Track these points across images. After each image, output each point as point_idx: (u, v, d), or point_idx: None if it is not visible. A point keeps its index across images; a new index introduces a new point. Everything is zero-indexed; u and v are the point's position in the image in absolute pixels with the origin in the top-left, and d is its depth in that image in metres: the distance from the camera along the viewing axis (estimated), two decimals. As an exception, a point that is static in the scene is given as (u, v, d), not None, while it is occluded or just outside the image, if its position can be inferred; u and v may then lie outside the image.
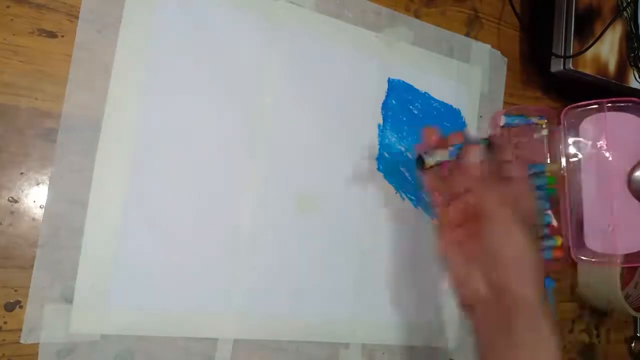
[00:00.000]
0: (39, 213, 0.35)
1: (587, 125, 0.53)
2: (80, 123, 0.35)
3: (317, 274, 0.43)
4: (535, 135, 0.53)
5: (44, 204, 0.35)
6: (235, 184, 0.40)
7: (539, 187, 0.51)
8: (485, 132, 0.51)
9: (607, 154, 0.53)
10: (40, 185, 0.35)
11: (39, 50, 0.35)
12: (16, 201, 0.34)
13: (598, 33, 0.51)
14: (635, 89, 0.54)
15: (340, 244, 0.44)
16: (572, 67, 0.50)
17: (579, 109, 0.53)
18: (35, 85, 0.35)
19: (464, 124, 0.50)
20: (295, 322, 0.42)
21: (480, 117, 0.52)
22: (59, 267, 0.34)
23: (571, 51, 0.50)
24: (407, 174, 0.47)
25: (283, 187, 0.42)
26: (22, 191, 0.34)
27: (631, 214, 0.52)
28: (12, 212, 0.34)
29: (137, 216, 0.37)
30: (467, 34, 0.52)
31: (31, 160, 0.35)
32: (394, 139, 0.47)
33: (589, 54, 0.51)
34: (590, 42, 0.51)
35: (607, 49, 0.52)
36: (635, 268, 0.60)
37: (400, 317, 0.46)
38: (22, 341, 0.34)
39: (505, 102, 0.54)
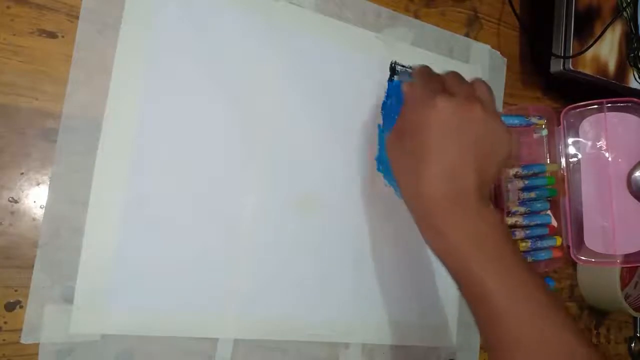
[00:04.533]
0: (39, 213, 0.35)
1: (586, 125, 0.53)
2: (81, 123, 0.35)
3: (317, 273, 0.43)
4: (535, 135, 0.53)
5: (44, 204, 0.35)
6: (235, 184, 0.40)
7: (539, 187, 0.52)
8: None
9: (607, 154, 0.53)
10: (41, 185, 0.35)
11: (39, 51, 0.35)
12: (16, 201, 0.34)
13: (598, 33, 0.51)
14: (635, 89, 0.54)
15: (340, 244, 0.44)
16: (571, 68, 0.50)
17: (579, 109, 0.53)
18: (35, 86, 0.35)
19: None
20: (295, 322, 0.42)
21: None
22: (59, 267, 0.35)
23: (571, 51, 0.50)
24: (407, 174, 0.47)
25: (283, 187, 0.42)
26: (23, 191, 0.34)
27: (631, 214, 0.52)
28: (12, 212, 0.34)
29: (137, 216, 0.37)
30: (467, 35, 0.52)
31: (31, 160, 0.35)
32: (394, 139, 0.47)
33: (589, 54, 0.51)
34: (590, 42, 0.51)
35: (607, 49, 0.52)
36: (635, 268, 0.60)
37: (400, 317, 0.46)
38: (22, 341, 0.34)
39: (505, 102, 0.54)
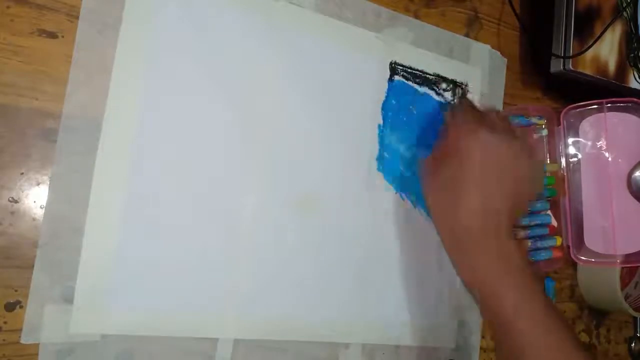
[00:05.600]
0: (39, 213, 0.35)
1: (586, 125, 0.53)
2: (81, 123, 0.35)
3: (317, 274, 0.43)
4: (535, 135, 0.52)
5: (44, 204, 0.35)
6: (235, 184, 0.40)
7: (538, 187, 0.51)
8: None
9: (607, 154, 0.53)
10: (41, 185, 0.35)
11: (39, 51, 0.35)
12: (16, 201, 0.34)
13: (598, 33, 0.51)
14: (635, 89, 0.54)
15: (340, 244, 0.44)
16: (571, 68, 0.50)
17: (579, 109, 0.53)
18: (35, 86, 0.35)
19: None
20: (295, 322, 0.42)
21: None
22: (59, 267, 0.35)
23: (571, 51, 0.50)
24: (407, 174, 0.47)
25: (283, 187, 0.42)
26: (23, 191, 0.34)
27: (631, 214, 0.52)
28: (12, 212, 0.34)
29: (137, 216, 0.37)
30: (467, 35, 0.52)
31: (31, 161, 0.35)
32: (394, 139, 0.47)
33: (589, 54, 0.51)
34: (590, 42, 0.51)
35: (607, 49, 0.52)
36: (635, 268, 0.60)
37: (400, 317, 0.46)
38: (22, 341, 0.34)
39: (505, 103, 0.54)
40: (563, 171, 0.53)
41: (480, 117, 0.40)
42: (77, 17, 0.36)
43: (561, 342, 0.36)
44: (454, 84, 0.50)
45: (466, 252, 0.38)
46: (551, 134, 0.53)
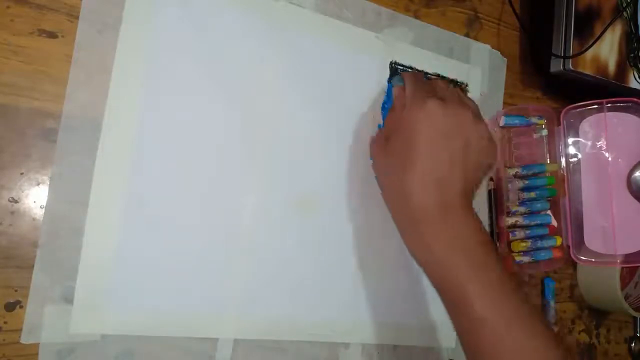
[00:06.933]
0: (39, 213, 0.35)
1: (586, 125, 0.53)
2: (81, 123, 0.35)
3: (317, 273, 0.43)
4: (535, 136, 0.53)
5: (44, 204, 0.35)
6: (235, 185, 0.40)
7: (539, 187, 0.52)
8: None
9: (607, 154, 0.53)
10: (41, 186, 0.35)
11: (39, 51, 0.35)
12: (16, 201, 0.34)
13: (598, 33, 0.51)
14: (635, 89, 0.54)
15: (340, 244, 0.44)
16: (571, 68, 0.50)
17: (579, 109, 0.53)
18: (35, 86, 0.35)
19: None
20: (295, 322, 0.42)
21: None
22: (60, 267, 0.35)
23: (571, 51, 0.50)
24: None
25: (283, 187, 0.42)
26: (23, 191, 0.34)
27: (631, 214, 0.52)
28: (12, 213, 0.34)
29: (137, 216, 0.37)
30: (467, 35, 0.52)
31: (31, 161, 0.35)
32: (393, 139, 0.47)
33: (589, 54, 0.51)
34: (590, 42, 0.51)
35: (607, 49, 0.53)
36: (635, 268, 0.60)
37: (400, 317, 0.46)
38: (22, 341, 0.34)
39: (505, 102, 0.54)
40: (563, 171, 0.53)
41: (429, 87, 0.39)
42: (77, 17, 0.36)
43: (516, 317, 0.35)
44: (454, 84, 0.50)
45: (418, 230, 0.36)
46: (551, 134, 0.53)
